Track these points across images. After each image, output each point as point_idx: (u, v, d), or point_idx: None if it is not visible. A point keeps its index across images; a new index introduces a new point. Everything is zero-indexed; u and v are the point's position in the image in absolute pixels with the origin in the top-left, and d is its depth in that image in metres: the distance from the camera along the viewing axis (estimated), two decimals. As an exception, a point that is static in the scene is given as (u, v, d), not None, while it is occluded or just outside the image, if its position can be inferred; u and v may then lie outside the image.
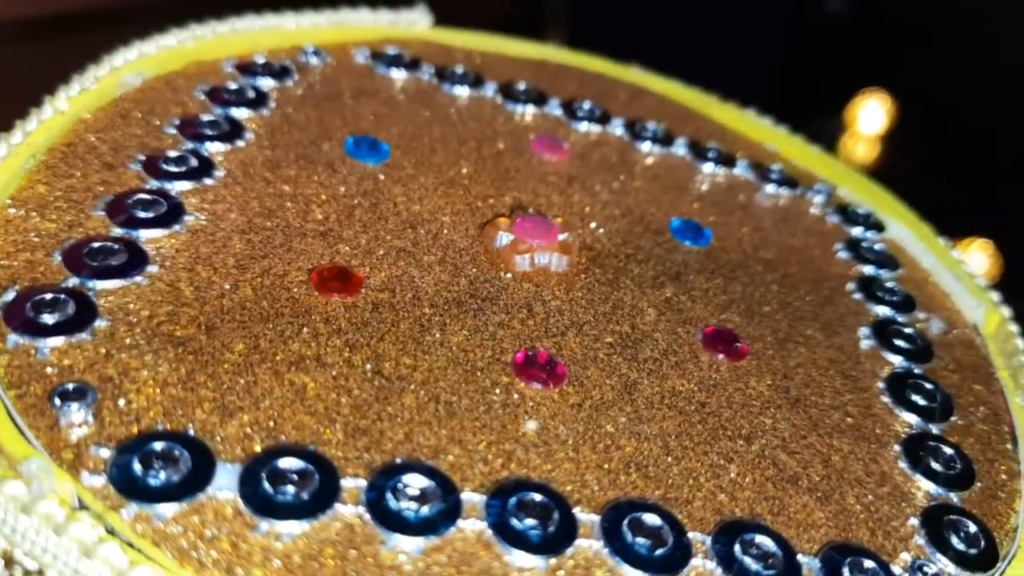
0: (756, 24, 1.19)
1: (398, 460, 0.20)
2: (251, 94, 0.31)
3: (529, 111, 0.34)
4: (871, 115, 1.11)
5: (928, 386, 0.26)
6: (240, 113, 0.30)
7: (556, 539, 0.20)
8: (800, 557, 0.21)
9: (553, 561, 0.19)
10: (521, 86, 0.35)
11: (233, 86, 0.31)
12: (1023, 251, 0.90)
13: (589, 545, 0.20)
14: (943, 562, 0.22)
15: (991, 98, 1.13)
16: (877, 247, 0.32)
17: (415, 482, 0.20)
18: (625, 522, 0.20)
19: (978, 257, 0.89)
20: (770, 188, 0.34)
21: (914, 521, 0.23)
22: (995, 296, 0.31)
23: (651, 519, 0.20)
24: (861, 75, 1.14)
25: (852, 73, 1.16)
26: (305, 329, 0.23)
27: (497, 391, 0.23)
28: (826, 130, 1.14)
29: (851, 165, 1.14)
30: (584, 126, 0.34)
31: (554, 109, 0.34)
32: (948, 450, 0.24)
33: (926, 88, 1.14)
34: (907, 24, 1.21)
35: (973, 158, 1.05)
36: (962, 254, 0.33)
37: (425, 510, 0.19)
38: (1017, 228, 0.94)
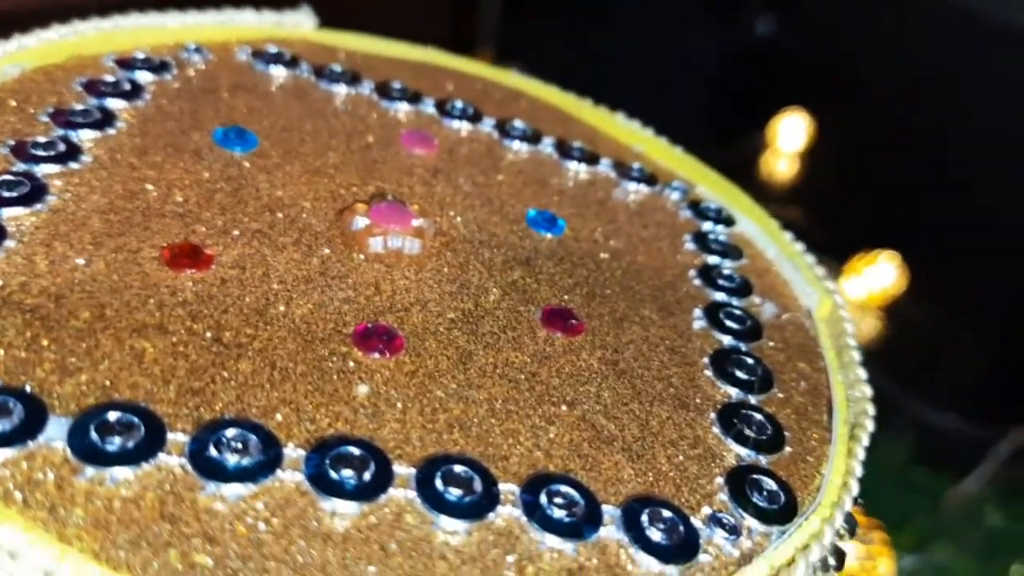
0: (687, 47, 1.23)
1: (225, 417, 0.22)
2: (127, 86, 0.32)
3: (403, 108, 0.36)
4: (791, 133, 1.15)
5: (750, 361, 0.28)
6: (114, 104, 0.31)
7: (371, 488, 0.21)
8: (604, 507, 0.23)
9: (366, 507, 0.21)
10: (397, 84, 0.36)
11: (110, 79, 0.32)
12: (928, 262, 0.94)
13: (403, 494, 0.21)
14: (743, 516, 0.24)
15: (901, 117, 1.18)
16: (723, 238, 0.34)
17: (238, 436, 0.21)
18: (438, 473, 0.22)
19: (886, 267, 0.93)
20: (629, 185, 0.36)
21: (719, 480, 0.24)
22: (831, 285, 0.33)
23: (462, 470, 0.22)
24: (784, 95, 1.18)
25: (776, 93, 1.20)
26: (151, 301, 0.24)
27: (334, 359, 0.24)
28: (749, 147, 1.17)
29: (771, 181, 1.17)
30: (456, 124, 0.36)
31: (428, 107, 0.36)
32: (761, 417, 0.26)
33: (844, 108, 1.18)
34: (827, 47, 1.25)
35: (884, 175, 1.09)
36: (800, 247, 0.35)
37: (245, 460, 0.21)
38: (922, 240, 0.98)
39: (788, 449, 0.26)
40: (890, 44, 1.25)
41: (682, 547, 0.22)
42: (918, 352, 0.88)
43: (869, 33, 1.29)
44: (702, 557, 0.22)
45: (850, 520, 0.26)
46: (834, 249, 0.96)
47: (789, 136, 1.17)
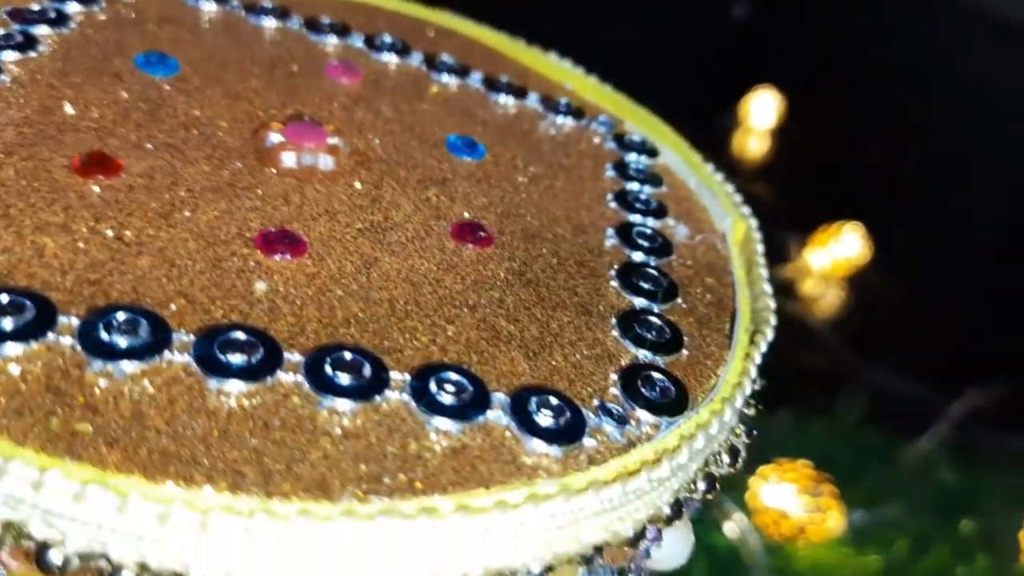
0: (664, 28, 1.23)
1: (119, 303, 0.22)
2: (53, 15, 0.33)
3: (331, 42, 0.36)
4: (762, 111, 1.16)
5: (656, 273, 0.29)
6: (39, 30, 0.32)
7: (258, 370, 0.22)
8: (493, 394, 0.23)
9: (252, 387, 0.21)
10: (326, 19, 0.37)
11: (36, 7, 0.33)
12: (890, 232, 0.95)
13: (292, 378, 0.22)
14: (633, 407, 0.24)
15: (870, 95, 1.19)
16: (643, 167, 0.35)
17: (129, 319, 0.22)
18: (328, 359, 0.22)
19: (850, 238, 0.94)
20: (556, 118, 0.36)
21: (613, 376, 0.25)
22: (746, 210, 0.34)
23: (353, 357, 0.23)
24: (757, 75, 1.19)
25: (749, 73, 1.21)
26: (57, 203, 0.25)
27: (235, 259, 0.25)
28: (721, 125, 1.18)
29: (742, 157, 1.18)
30: (384, 56, 0.36)
31: (356, 41, 0.37)
32: (660, 323, 0.27)
33: (814, 86, 1.19)
34: (799, 29, 1.26)
35: (851, 151, 1.10)
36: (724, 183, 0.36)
37: (133, 341, 0.21)
38: (884, 211, 0.99)
39: (686, 353, 0.27)
40: (860, 25, 1.26)
41: (568, 432, 0.23)
42: (878, 321, 0.89)
43: (840, 14, 1.30)
44: (587, 442, 0.23)
45: (746, 420, 0.27)
46: (802, 223, 0.97)
47: (761, 114, 1.18)
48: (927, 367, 0.77)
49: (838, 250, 0.94)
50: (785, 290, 0.91)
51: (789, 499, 0.60)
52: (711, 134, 1.16)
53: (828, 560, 0.60)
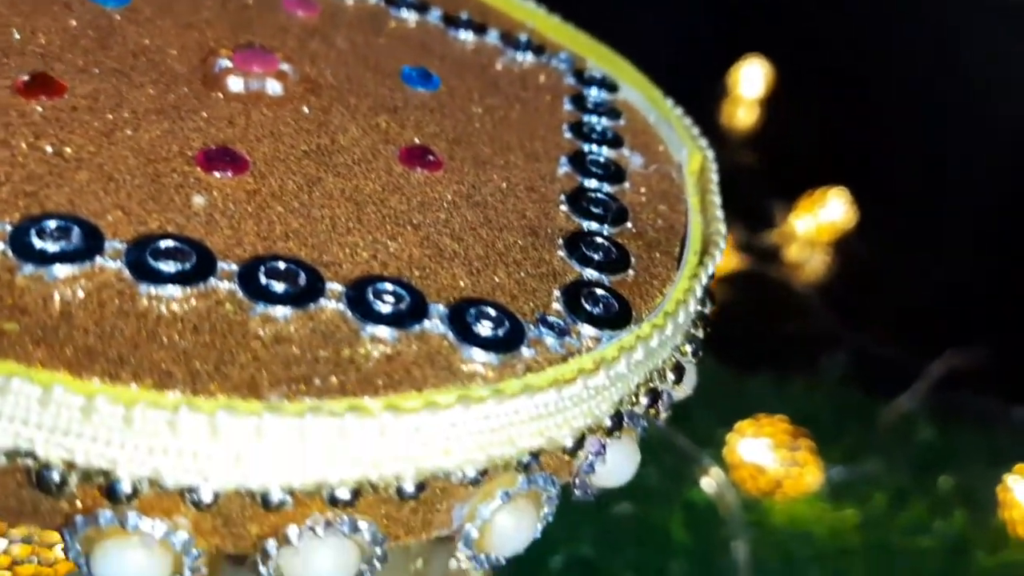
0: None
1: (54, 211, 0.22)
2: (3, -53, 0.32)
3: (289, -21, 0.36)
4: (751, 80, 1.15)
5: (606, 198, 0.29)
6: (-12, -39, 0.32)
7: (191, 276, 0.22)
8: (431, 305, 0.23)
9: (183, 292, 0.21)
10: (284, -44, 0.37)
11: (-13, -61, 0.33)
12: (876, 198, 0.95)
13: (225, 286, 0.22)
14: (574, 321, 0.24)
15: (857, 63, 1.18)
16: (602, 100, 0.34)
17: (61, 226, 0.22)
18: (262, 268, 0.22)
19: (836, 204, 0.94)
20: (516, 54, 0.36)
21: (557, 293, 0.25)
22: (704, 142, 0.34)
23: (288, 266, 0.23)
24: (745, 44, 1.18)
25: (738, 43, 1.21)
26: (-4, 121, 0.25)
27: (175, 175, 0.25)
28: (710, 95, 1.18)
29: (732, 127, 1.18)
30: (343, -7, 0.36)
31: (314, -21, 0.37)
32: (608, 244, 0.27)
33: (803, 55, 1.19)
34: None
35: (839, 119, 1.10)
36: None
37: (64, 246, 0.21)
38: (870, 177, 0.99)
39: (632, 273, 0.27)
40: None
41: (506, 342, 0.23)
42: (861, 285, 0.89)
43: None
44: (525, 351, 0.23)
45: (694, 340, 0.27)
46: (788, 189, 0.97)
47: (749, 83, 1.17)
48: (909, 331, 0.77)
49: (823, 215, 0.94)
50: (770, 255, 0.92)
51: (766, 454, 0.60)
52: (699, 104, 1.16)
53: (805, 514, 0.60)
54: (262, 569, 0.21)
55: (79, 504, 0.20)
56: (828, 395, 0.72)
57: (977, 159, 1.09)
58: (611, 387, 0.23)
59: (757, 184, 1.06)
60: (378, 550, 0.22)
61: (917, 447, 0.68)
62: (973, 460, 0.67)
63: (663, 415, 0.29)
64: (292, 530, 0.21)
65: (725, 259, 0.87)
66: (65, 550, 0.21)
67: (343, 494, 0.20)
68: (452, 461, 0.21)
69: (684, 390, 0.29)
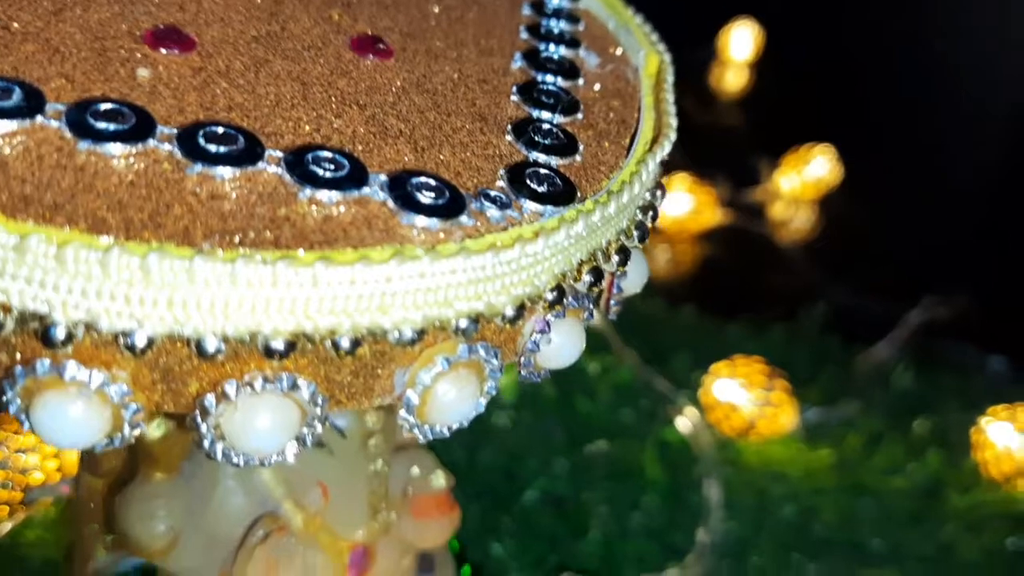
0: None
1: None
2: None
3: None
4: (740, 43, 1.15)
5: (558, 91, 0.29)
6: None
7: (129, 135, 0.22)
8: (371, 174, 0.23)
9: (121, 150, 0.21)
10: None
11: None
12: (862, 156, 0.95)
13: (164, 147, 0.22)
14: (516, 197, 0.24)
15: (846, 23, 1.18)
16: (560, 6, 0.35)
17: (2, 88, 0.22)
18: (200, 132, 0.22)
19: (821, 161, 0.94)
20: (478, -35, 0.36)
21: (501, 171, 0.25)
22: (662, 47, 0.34)
23: (228, 130, 0.23)
24: (735, 7, 1.18)
25: (727, 5, 1.20)
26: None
27: (122, 51, 0.25)
28: (698, 58, 1.17)
29: (721, 89, 1.17)
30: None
31: None
32: (555, 130, 0.27)
33: (792, 16, 1.19)
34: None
35: (827, 78, 1.10)
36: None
37: (3, 104, 0.21)
38: (857, 135, 0.99)
39: (579, 158, 0.27)
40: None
41: (446, 209, 0.23)
42: (845, 242, 0.90)
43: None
44: (466, 220, 0.23)
45: (641, 227, 0.27)
46: (774, 147, 0.97)
47: (739, 46, 1.17)
48: (889, 284, 0.77)
49: (808, 173, 0.94)
50: (754, 212, 0.92)
51: (740, 393, 0.60)
52: (688, 66, 1.15)
53: (779, 455, 0.61)
54: (202, 427, 0.22)
55: (18, 355, 0.21)
56: (806, 342, 0.72)
57: (963, 118, 1.09)
58: (551, 258, 0.24)
59: (743, 143, 1.07)
60: (318, 411, 0.22)
61: (893, 392, 0.68)
62: (948, 405, 0.67)
63: (613, 311, 0.30)
64: (230, 385, 0.21)
65: (708, 214, 0.88)
66: (6, 405, 0.21)
67: (278, 345, 0.21)
68: (388, 320, 0.22)
69: (633, 284, 0.29)
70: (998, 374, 0.71)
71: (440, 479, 0.37)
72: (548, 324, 0.25)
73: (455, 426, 0.25)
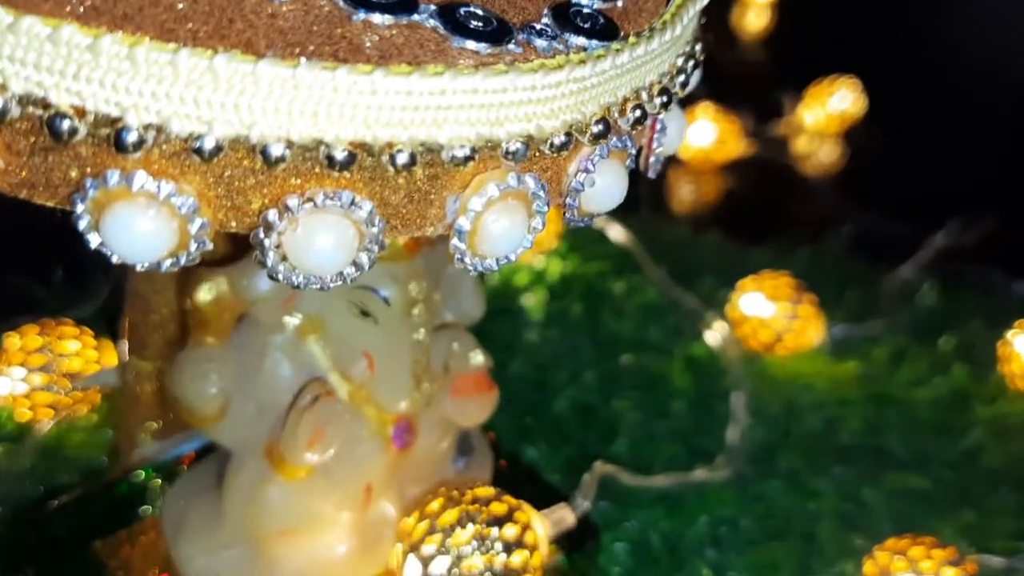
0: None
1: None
2: None
3: None
4: (762, -16, 1.15)
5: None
6: None
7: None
8: (421, 4, 0.24)
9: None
10: None
11: None
12: (885, 88, 0.95)
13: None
14: (561, 32, 0.25)
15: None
16: None
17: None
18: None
19: (845, 93, 0.94)
20: None
21: (546, 10, 0.26)
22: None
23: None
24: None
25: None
26: None
27: None
28: None
29: (744, 28, 1.17)
30: None
31: None
32: (599, -20, 0.28)
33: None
34: None
35: (848, 13, 1.09)
36: None
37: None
38: (880, 67, 0.98)
39: (620, 3, 0.27)
40: None
41: (495, 35, 0.24)
42: (870, 172, 0.90)
43: None
44: (512, 46, 0.24)
45: (682, 71, 0.28)
46: (798, 83, 0.97)
47: (759, -13, 1.16)
48: (915, 210, 0.77)
49: (832, 105, 0.94)
50: (779, 145, 0.92)
51: (767, 307, 0.61)
52: (710, 6, 1.15)
53: (805, 368, 0.61)
54: (265, 243, 0.23)
55: (88, 168, 0.21)
56: (831, 264, 0.73)
57: (987, 48, 1.08)
58: (598, 87, 0.24)
59: (766, 78, 1.06)
60: (375, 232, 0.23)
61: (918, 311, 0.68)
62: (974, 323, 0.68)
63: (653, 168, 0.30)
64: (292, 200, 0.22)
65: (732, 144, 0.88)
66: (76, 221, 0.22)
67: (339, 154, 0.21)
68: (443, 135, 0.22)
69: (672, 143, 0.30)
70: (1023, 297, 0.71)
71: (479, 357, 0.38)
72: (592, 163, 0.26)
73: (503, 259, 0.25)
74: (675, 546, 0.48)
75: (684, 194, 0.84)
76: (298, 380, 0.35)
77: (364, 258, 0.23)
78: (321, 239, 0.22)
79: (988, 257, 0.74)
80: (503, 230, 0.24)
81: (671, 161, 0.88)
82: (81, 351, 0.49)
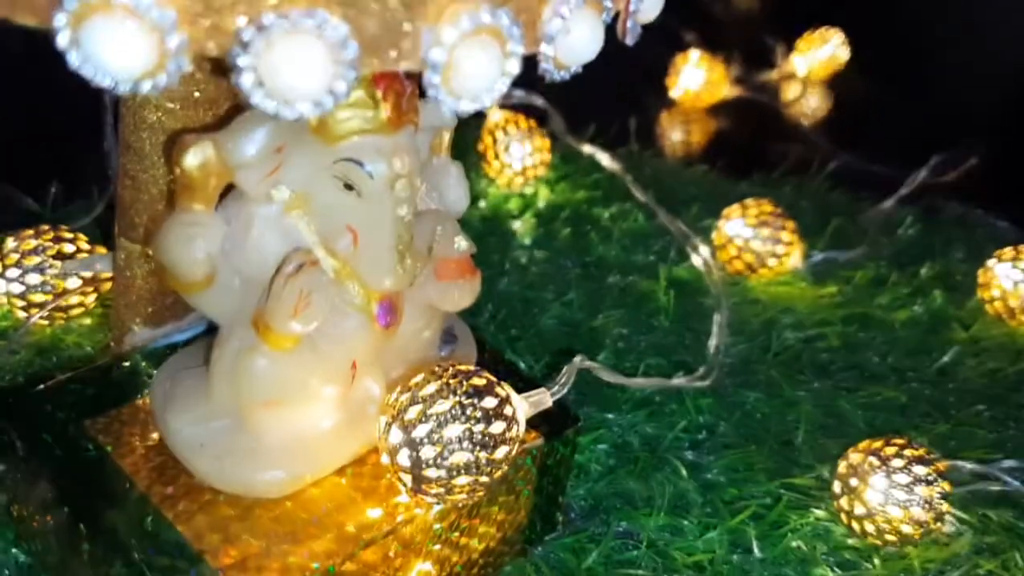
0: None
1: None
2: None
3: None
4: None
5: None
6: None
7: None
8: None
9: None
10: None
11: None
12: (867, 39, 0.96)
13: None
14: None
15: None
16: None
17: None
18: None
19: (831, 44, 0.94)
20: None
21: None
22: None
23: None
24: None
25: None
26: None
27: None
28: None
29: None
30: None
31: None
32: None
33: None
34: None
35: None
36: None
37: None
38: (862, 18, 0.99)
39: None
40: None
41: None
42: (855, 117, 0.91)
43: None
44: None
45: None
46: (788, 33, 0.97)
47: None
48: (899, 153, 0.78)
49: (819, 54, 0.95)
50: (768, 91, 0.93)
51: (750, 232, 0.62)
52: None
53: (787, 291, 0.63)
54: (240, 63, 0.23)
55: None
56: (815, 197, 0.74)
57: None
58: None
59: (757, 27, 1.07)
60: (349, 57, 0.24)
61: (899, 242, 0.69)
62: (955, 253, 0.69)
63: (630, 34, 0.31)
64: (267, 17, 0.23)
65: (721, 87, 0.89)
66: (55, 34, 0.23)
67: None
68: (417, -44, 0.23)
69: (649, 9, 0.31)
70: (1002, 230, 0.72)
71: (463, 242, 0.39)
72: (568, 9, 0.27)
73: (477, 99, 0.26)
74: (654, 448, 0.49)
75: (674, 132, 0.85)
76: (283, 253, 0.35)
77: (340, 86, 0.24)
78: (295, 59, 0.23)
79: (968, 194, 0.75)
80: (477, 66, 0.25)
81: (662, 100, 0.89)
82: (75, 255, 0.50)
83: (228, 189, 0.35)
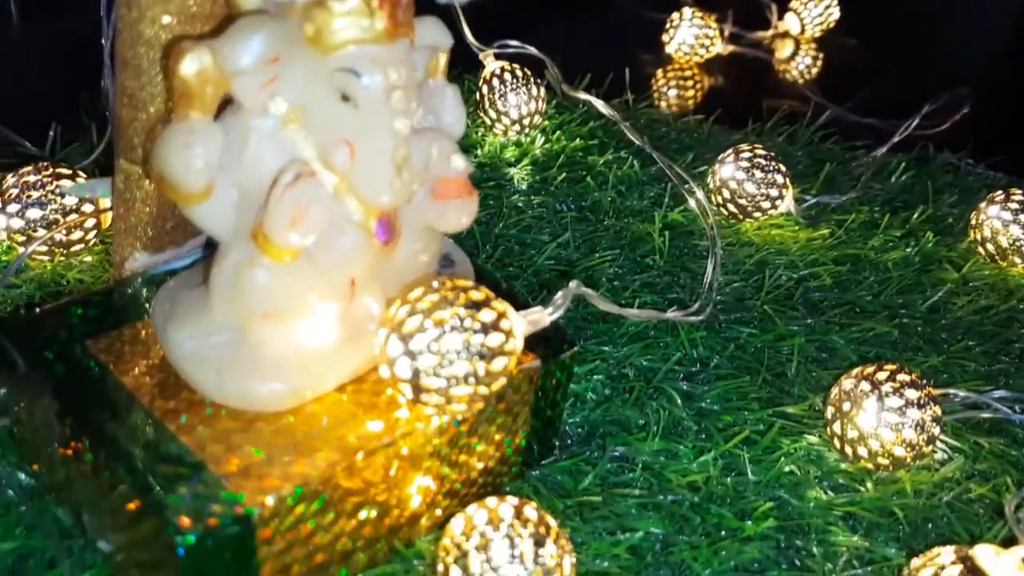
0: None
1: None
2: None
3: None
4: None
5: None
6: None
7: None
8: None
9: None
10: None
11: None
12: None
13: None
14: None
15: None
16: None
17: None
18: None
19: (822, 4, 0.95)
20: None
21: None
22: None
23: None
24: None
25: None
26: None
27: None
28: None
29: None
30: None
31: None
32: None
33: None
34: None
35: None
36: None
37: None
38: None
39: None
40: None
41: None
42: (847, 74, 0.91)
43: None
44: None
45: None
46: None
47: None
48: (891, 108, 0.78)
49: (812, 14, 0.95)
50: (761, 49, 0.93)
51: (743, 175, 0.62)
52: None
53: (779, 234, 0.63)
54: None
55: None
56: (807, 147, 0.74)
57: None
58: None
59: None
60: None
61: (891, 188, 0.70)
62: (946, 198, 0.69)
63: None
64: None
65: (715, 44, 0.89)
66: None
67: None
68: None
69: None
70: (993, 177, 0.73)
71: (460, 161, 0.40)
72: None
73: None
74: (649, 379, 0.50)
75: (668, 86, 0.86)
76: (281, 165, 0.36)
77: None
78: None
79: (959, 144, 0.75)
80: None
81: (657, 56, 0.89)
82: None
83: (225, 106, 0.35)
